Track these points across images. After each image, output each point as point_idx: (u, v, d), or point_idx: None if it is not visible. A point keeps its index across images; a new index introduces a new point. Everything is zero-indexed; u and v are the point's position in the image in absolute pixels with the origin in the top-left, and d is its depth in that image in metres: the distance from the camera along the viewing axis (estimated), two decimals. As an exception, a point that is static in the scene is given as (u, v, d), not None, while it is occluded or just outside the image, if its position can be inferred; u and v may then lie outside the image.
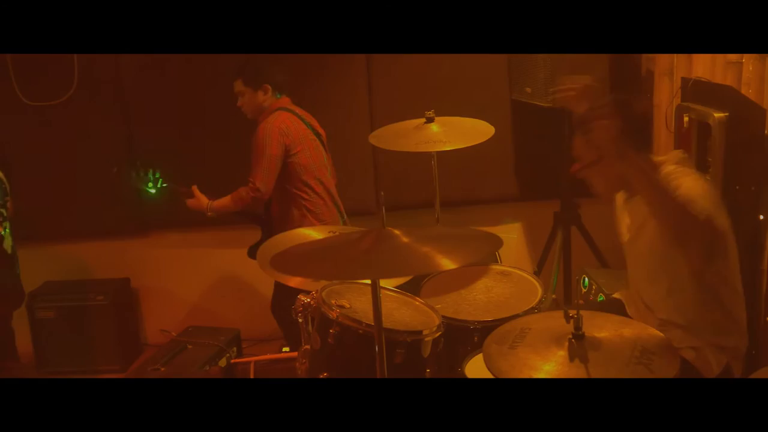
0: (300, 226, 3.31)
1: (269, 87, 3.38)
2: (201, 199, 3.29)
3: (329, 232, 2.76)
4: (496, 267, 2.90)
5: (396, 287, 2.54)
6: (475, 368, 2.22)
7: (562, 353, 1.74)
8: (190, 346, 3.63)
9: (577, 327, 1.75)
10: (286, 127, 3.35)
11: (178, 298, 4.51)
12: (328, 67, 3.98)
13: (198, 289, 4.51)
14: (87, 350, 4.18)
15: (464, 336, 2.42)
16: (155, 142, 4.14)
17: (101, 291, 4.25)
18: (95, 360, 4.19)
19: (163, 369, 3.28)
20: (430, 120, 3.13)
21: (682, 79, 3.08)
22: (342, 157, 3.71)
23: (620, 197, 2.38)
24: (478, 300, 2.65)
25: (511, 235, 4.15)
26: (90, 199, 4.20)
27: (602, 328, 1.81)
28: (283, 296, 3.29)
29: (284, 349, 3.73)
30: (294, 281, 2.49)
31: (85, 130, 4.15)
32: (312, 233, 2.85)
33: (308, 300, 2.35)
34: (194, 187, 3.23)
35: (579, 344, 1.74)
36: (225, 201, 3.31)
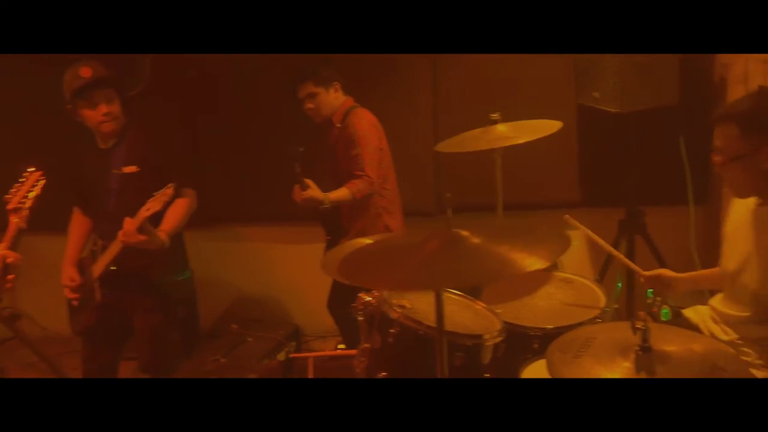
0: (374, 224, 3.34)
1: (339, 85, 3.42)
2: (317, 192, 3.26)
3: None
4: (558, 273, 2.86)
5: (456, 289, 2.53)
6: (533, 376, 2.20)
7: (627, 365, 1.71)
8: (250, 339, 3.67)
9: (645, 339, 1.71)
10: (377, 122, 3.40)
11: (238, 291, 4.59)
12: (392, 66, 3.99)
13: (258, 283, 4.57)
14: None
15: (523, 342, 2.39)
16: (215, 136, 4.24)
17: (164, 281, 4.34)
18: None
19: (223, 360, 3.33)
20: (494, 123, 3.12)
21: (760, 87, 2.99)
22: (403, 157, 3.71)
23: (750, 203, 2.26)
24: (539, 306, 2.62)
25: (573, 242, 4.08)
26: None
27: (671, 341, 1.77)
28: (341, 294, 3.32)
29: (340, 347, 3.76)
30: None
31: (153, 124, 4.26)
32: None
33: (369, 298, 2.36)
34: (309, 181, 3.24)
35: (646, 357, 1.70)
36: (342, 193, 3.27)
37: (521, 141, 3.00)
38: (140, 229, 2.81)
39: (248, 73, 4.10)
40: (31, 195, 2.25)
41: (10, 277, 2.05)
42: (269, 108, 4.07)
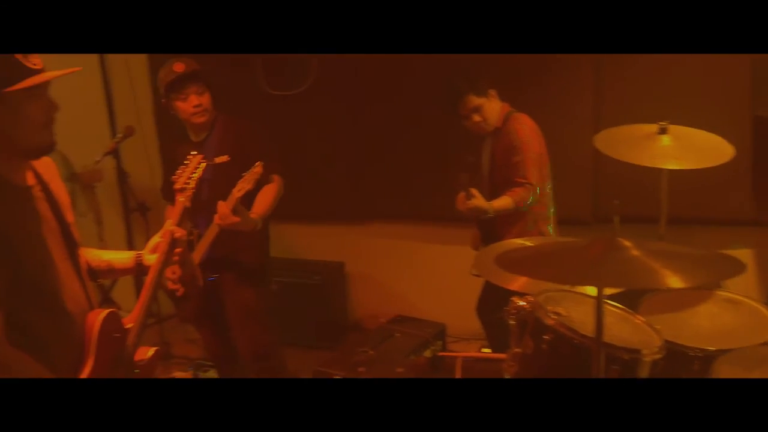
0: (529, 231, 3.29)
1: (495, 92, 3.39)
2: (482, 201, 3.21)
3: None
4: (723, 293, 2.69)
5: (613, 300, 2.45)
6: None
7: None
8: (398, 334, 3.73)
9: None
10: (537, 127, 3.35)
11: (386, 287, 4.69)
12: (554, 69, 3.92)
13: (407, 281, 4.65)
14: (299, 324, 4.48)
15: (682, 363, 2.27)
16: (377, 134, 4.34)
17: (317, 271, 4.54)
18: (306, 335, 4.48)
19: (371, 352, 3.42)
20: (662, 131, 2.97)
21: None
22: (560, 163, 3.61)
23: None
24: (702, 326, 2.48)
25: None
26: (315, 184, 4.50)
27: None
28: (492, 298, 3.30)
29: (484, 350, 3.74)
30: (514, 284, 2.46)
31: (316, 120, 4.46)
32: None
33: (523, 303, 2.34)
34: (475, 190, 3.20)
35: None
36: (505, 201, 3.24)
37: (686, 167, 2.81)
38: (234, 211, 2.95)
39: (417, 74, 4.16)
40: (194, 177, 2.40)
41: (177, 250, 2.19)
42: (429, 109, 4.13)
